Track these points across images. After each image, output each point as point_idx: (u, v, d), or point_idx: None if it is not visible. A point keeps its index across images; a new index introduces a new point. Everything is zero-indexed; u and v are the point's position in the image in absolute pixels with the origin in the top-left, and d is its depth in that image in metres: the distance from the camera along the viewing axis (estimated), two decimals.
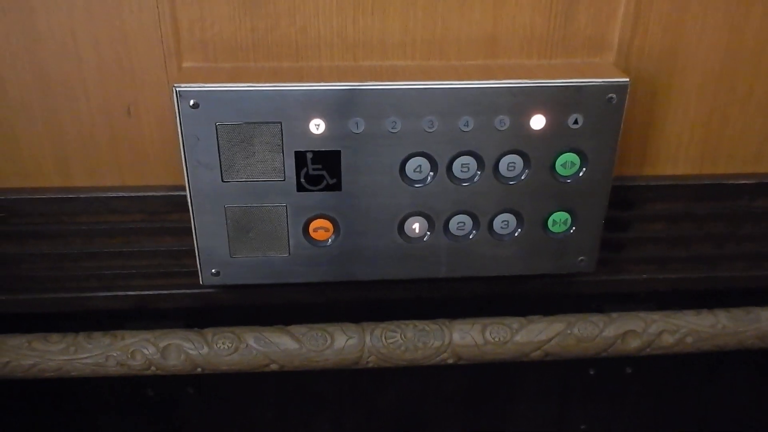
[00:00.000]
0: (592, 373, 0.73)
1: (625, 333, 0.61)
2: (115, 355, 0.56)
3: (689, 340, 0.62)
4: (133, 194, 0.54)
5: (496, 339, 0.60)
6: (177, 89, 0.47)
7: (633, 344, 0.62)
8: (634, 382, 0.74)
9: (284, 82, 0.47)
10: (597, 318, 0.62)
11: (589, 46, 0.53)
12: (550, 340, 0.61)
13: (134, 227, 0.56)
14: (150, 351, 0.57)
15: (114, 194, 0.54)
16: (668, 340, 0.62)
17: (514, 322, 0.61)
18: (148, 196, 0.55)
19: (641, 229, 0.61)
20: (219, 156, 0.49)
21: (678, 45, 0.54)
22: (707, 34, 0.53)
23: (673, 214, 0.60)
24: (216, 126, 0.48)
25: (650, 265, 0.63)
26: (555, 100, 0.50)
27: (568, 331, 0.61)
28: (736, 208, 0.60)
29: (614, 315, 0.63)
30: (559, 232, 0.55)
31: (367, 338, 0.58)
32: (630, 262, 0.62)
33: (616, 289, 0.64)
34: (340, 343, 0.58)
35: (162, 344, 0.57)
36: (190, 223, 0.52)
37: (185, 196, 0.51)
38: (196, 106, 0.48)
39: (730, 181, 0.59)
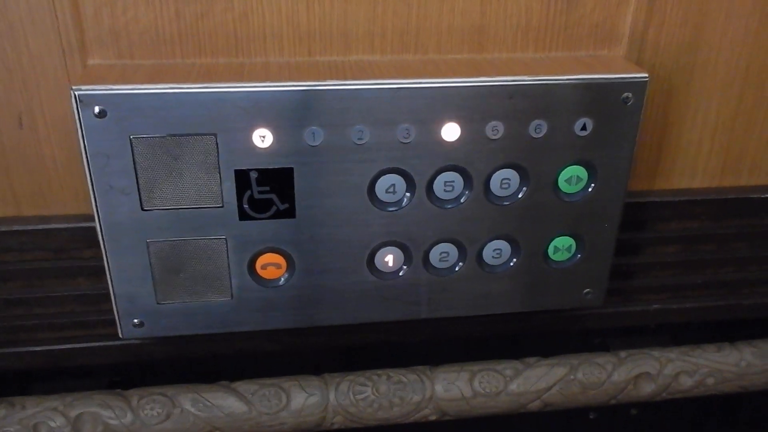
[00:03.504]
0: (591, 417, 0.65)
1: (637, 376, 0.53)
2: (11, 431, 0.44)
3: (710, 381, 0.54)
4: (32, 227, 0.45)
5: (487, 390, 0.51)
6: (76, 93, 0.37)
7: (647, 389, 0.53)
8: (640, 426, 0.66)
9: (220, 82, 0.39)
10: (604, 359, 0.53)
11: (595, 37, 0.45)
12: (550, 387, 0.52)
13: (36, 268, 0.47)
14: (58, 423, 0.46)
15: (7, 228, 0.45)
16: (687, 382, 0.54)
17: (508, 367, 0.52)
18: (51, 229, 0.45)
19: (652, 253, 0.54)
20: (136, 178, 0.40)
21: (699, 36, 0.47)
22: (733, 24, 0.47)
23: (690, 234, 0.54)
24: (131, 140, 0.39)
25: (662, 293, 0.56)
26: (559, 102, 0.42)
27: (572, 377, 0.52)
28: (760, 227, 0.54)
29: (623, 354, 0.54)
30: (561, 261, 0.48)
31: (332, 394, 0.50)
32: (639, 291, 0.56)
33: (623, 322, 0.57)
34: (299, 403, 0.49)
35: (73, 413, 0.46)
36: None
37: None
38: (102, 114, 0.38)
39: (755, 195, 0.53)
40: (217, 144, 0.40)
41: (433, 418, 0.52)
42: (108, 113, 0.38)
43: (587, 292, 0.49)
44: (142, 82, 0.38)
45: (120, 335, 0.44)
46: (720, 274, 0.55)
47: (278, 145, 0.40)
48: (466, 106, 0.41)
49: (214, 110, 0.39)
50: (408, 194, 0.43)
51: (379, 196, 0.43)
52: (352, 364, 0.53)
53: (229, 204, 0.42)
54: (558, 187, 0.45)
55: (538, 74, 0.41)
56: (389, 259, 0.46)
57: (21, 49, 0.40)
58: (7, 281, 0.46)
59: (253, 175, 0.41)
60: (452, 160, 0.43)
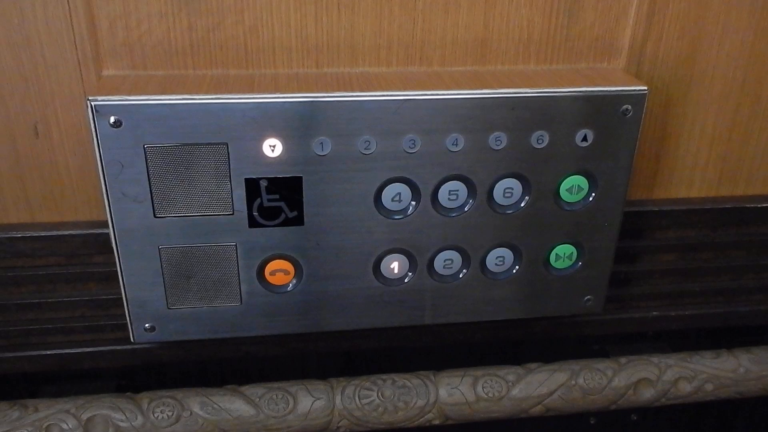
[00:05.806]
0: (592, 422, 0.65)
1: (637, 382, 0.54)
2: None
3: (709, 387, 0.55)
4: (45, 233, 0.46)
5: (490, 394, 0.52)
6: (92, 103, 0.38)
7: (646, 395, 0.54)
8: (640, 431, 0.67)
9: (230, 93, 0.40)
10: (604, 365, 0.54)
11: (595, 50, 0.46)
12: (551, 393, 0.53)
13: (48, 273, 0.47)
14: (70, 425, 0.46)
15: (21, 234, 0.46)
16: (685, 388, 0.55)
17: (510, 372, 0.53)
18: (64, 235, 0.46)
19: (651, 261, 0.55)
20: (149, 186, 0.41)
21: (696, 49, 0.48)
22: (729, 38, 0.48)
23: (687, 242, 0.55)
24: (145, 149, 0.40)
25: (661, 300, 0.57)
26: (560, 113, 0.43)
27: (573, 382, 0.53)
28: (757, 235, 0.55)
29: (623, 360, 0.55)
30: (563, 269, 0.49)
31: (338, 398, 0.50)
32: (638, 298, 0.56)
33: (622, 329, 0.58)
34: (305, 406, 0.50)
35: (85, 416, 0.47)
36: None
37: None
38: (117, 124, 0.39)
39: (751, 205, 0.54)
40: (228, 153, 0.41)
41: (436, 422, 0.52)
42: (123, 123, 0.39)
43: (587, 299, 0.50)
44: (155, 93, 0.39)
45: (132, 339, 0.45)
46: (717, 282, 0.56)
47: (287, 154, 0.41)
48: (470, 117, 0.42)
49: (225, 120, 0.40)
50: (413, 203, 0.44)
51: (385, 205, 0.44)
52: (358, 368, 0.54)
53: (240, 211, 0.42)
54: (559, 196, 0.46)
55: (539, 86, 0.42)
56: (395, 265, 0.46)
57: (37, 59, 0.41)
58: (19, 286, 0.47)
59: (263, 184, 0.42)
60: (456, 169, 0.43)
